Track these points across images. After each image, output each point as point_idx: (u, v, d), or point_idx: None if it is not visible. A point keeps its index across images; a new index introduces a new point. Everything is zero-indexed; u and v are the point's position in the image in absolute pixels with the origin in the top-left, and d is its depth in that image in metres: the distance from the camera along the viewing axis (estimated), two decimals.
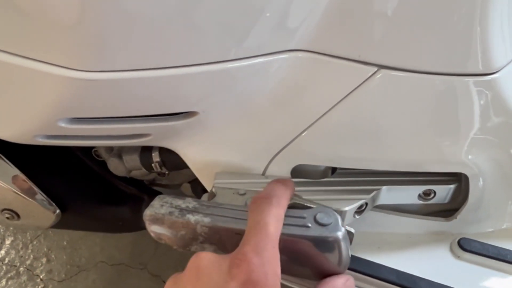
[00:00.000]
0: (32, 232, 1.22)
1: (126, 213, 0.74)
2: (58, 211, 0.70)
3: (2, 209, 0.70)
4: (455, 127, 0.51)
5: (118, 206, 0.74)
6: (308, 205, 0.51)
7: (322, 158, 0.53)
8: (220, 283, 0.34)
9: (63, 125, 0.46)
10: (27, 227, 0.73)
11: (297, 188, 0.54)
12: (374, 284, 0.53)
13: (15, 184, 0.68)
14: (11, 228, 1.24)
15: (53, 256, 1.18)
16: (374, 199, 0.54)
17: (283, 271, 0.48)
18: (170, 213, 0.46)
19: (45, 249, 1.19)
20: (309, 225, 0.45)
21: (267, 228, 0.39)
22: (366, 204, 0.54)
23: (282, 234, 0.45)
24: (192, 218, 0.46)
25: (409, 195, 0.56)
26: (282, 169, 0.54)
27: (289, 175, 0.55)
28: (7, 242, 1.21)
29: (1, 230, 1.24)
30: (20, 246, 1.20)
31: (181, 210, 0.46)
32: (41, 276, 1.14)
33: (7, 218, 0.71)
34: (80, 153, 0.72)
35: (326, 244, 0.45)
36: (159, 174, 0.68)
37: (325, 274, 0.47)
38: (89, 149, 0.72)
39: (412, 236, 0.59)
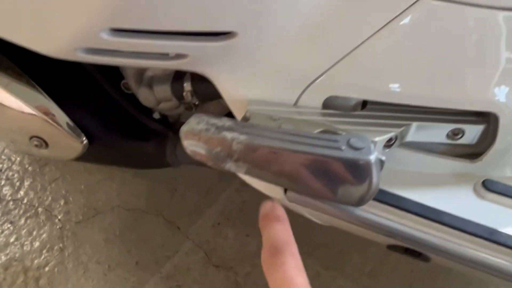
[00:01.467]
0: (50, 175, 1.25)
1: (150, 149, 0.75)
2: (86, 141, 0.72)
3: (31, 136, 0.72)
4: (491, 63, 0.51)
5: (143, 141, 0.75)
6: (340, 132, 0.52)
7: (355, 90, 0.54)
8: None
9: (105, 37, 0.46)
10: (54, 156, 0.74)
11: (328, 119, 0.54)
12: (397, 215, 0.54)
13: (45, 111, 0.69)
14: (30, 169, 1.26)
15: (70, 198, 1.20)
16: (403, 134, 0.55)
17: (303, 192, 0.49)
18: (207, 129, 0.47)
19: (63, 192, 1.21)
20: (343, 147, 0.46)
21: (297, 284, 0.35)
22: (396, 137, 0.54)
23: (313, 154, 0.45)
24: (228, 135, 0.46)
25: (438, 133, 0.56)
26: (314, 99, 0.55)
27: (320, 106, 0.55)
28: (26, 183, 1.23)
29: (20, 172, 1.26)
30: (39, 187, 1.23)
31: (218, 127, 0.47)
32: (59, 217, 1.17)
33: (36, 145, 0.72)
34: (108, 86, 0.73)
35: (358, 167, 0.45)
36: (187, 108, 0.69)
37: (346, 200, 0.48)
38: (117, 81, 0.73)
39: (436, 176, 0.59)
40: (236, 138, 0.46)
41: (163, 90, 0.62)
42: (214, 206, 1.17)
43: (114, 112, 0.75)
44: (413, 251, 0.57)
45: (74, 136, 0.71)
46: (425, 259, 0.58)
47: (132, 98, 0.76)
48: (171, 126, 0.78)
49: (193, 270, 1.08)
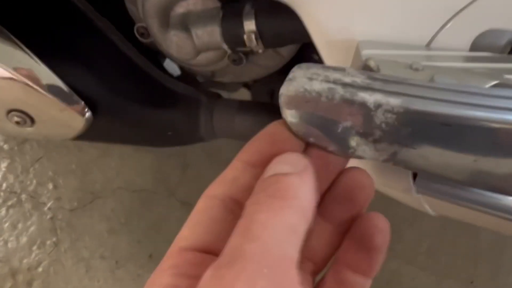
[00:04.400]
0: (32, 154, 1.03)
1: (177, 119, 0.55)
2: (88, 113, 0.51)
3: (8, 110, 0.50)
4: None
5: (166, 110, 0.55)
6: None
7: None
8: None
9: None
10: (45, 136, 0.53)
11: (485, 65, 0.35)
12: None
13: (27, 74, 0.47)
14: (6, 148, 1.04)
15: (60, 181, 0.99)
16: None
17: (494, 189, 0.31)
18: (330, 90, 0.27)
19: (50, 173, 1.00)
20: None
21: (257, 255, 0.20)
22: None
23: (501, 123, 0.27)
24: (369, 98, 0.27)
25: None
26: (460, 38, 0.36)
27: (467, 48, 0.36)
28: (3, 165, 1.01)
29: None
30: (20, 170, 1.01)
31: (345, 85, 0.28)
32: (48, 205, 0.97)
33: (17, 123, 0.51)
34: (115, 35, 0.51)
35: None
36: (234, 60, 0.48)
37: None
38: (129, 27, 0.51)
39: None
40: (384, 103, 0.27)
41: (209, 33, 0.41)
42: None
43: (126, 71, 0.53)
44: None
45: (71, 106, 0.50)
46: None
47: (149, 51, 0.55)
48: (201, 88, 0.58)
49: None
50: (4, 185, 0.99)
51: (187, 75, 0.60)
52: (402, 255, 0.91)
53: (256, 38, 0.40)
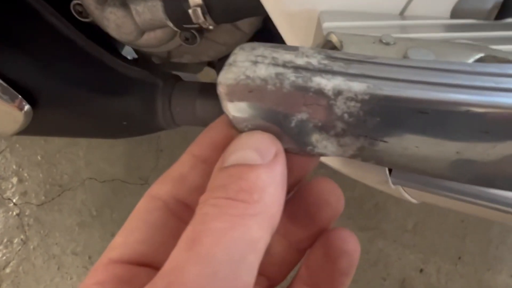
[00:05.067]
0: None
1: (131, 107, 0.49)
2: (27, 106, 0.45)
3: None
4: None
5: (118, 96, 0.49)
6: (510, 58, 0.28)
7: None
8: None
9: None
10: None
11: (466, 34, 0.30)
12: None
13: None
14: None
15: (25, 174, 0.94)
16: None
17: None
18: (278, 75, 0.22)
19: (14, 167, 0.94)
20: None
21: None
22: None
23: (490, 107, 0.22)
24: (326, 83, 0.22)
25: None
26: (439, 3, 0.30)
27: (447, 15, 0.31)
28: None
29: None
30: None
31: (297, 69, 0.22)
32: (14, 200, 0.91)
33: None
34: (54, 18, 0.45)
35: None
36: (186, 39, 0.42)
37: None
38: (65, 5, 0.44)
39: None
40: (345, 89, 0.22)
41: (150, 9, 0.35)
42: None
43: (68, 56, 0.47)
44: None
45: (7, 100, 0.44)
46: None
47: (92, 31, 0.49)
48: (157, 71, 0.52)
49: None
50: None
51: (142, 58, 0.54)
52: (389, 233, 0.87)
53: (203, 13, 0.34)
